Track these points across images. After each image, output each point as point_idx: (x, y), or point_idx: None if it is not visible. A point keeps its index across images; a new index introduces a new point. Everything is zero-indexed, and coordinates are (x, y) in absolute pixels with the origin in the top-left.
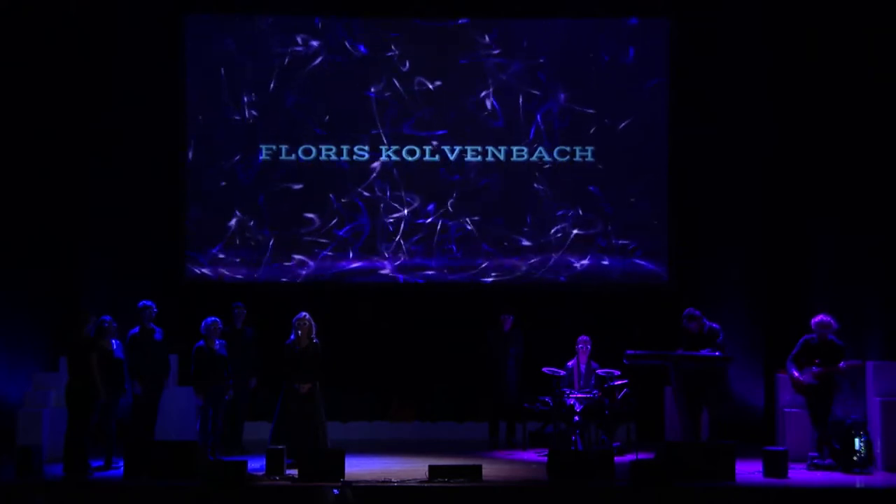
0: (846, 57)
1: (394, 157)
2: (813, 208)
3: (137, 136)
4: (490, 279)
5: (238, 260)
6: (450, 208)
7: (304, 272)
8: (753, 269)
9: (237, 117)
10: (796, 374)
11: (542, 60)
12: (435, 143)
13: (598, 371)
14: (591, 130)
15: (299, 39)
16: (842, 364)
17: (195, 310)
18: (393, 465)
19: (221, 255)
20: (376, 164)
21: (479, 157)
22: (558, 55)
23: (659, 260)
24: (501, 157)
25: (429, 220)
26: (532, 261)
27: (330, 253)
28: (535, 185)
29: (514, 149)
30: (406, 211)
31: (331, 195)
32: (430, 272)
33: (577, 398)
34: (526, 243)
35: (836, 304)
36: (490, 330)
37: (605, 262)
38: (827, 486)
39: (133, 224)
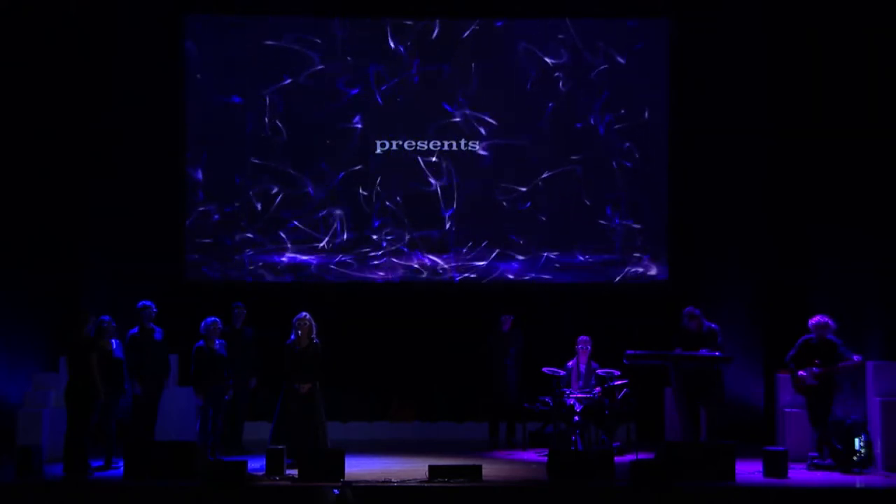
0: (847, 56)
1: (394, 155)
2: (813, 208)
3: (137, 136)
4: (490, 279)
5: (238, 260)
6: (449, 208)
7: (305, 272)
8: (753, 269)
9: (237, 117)
10: (801, 371)
11: (541, 61)
12: (438, 141)
13: (598, 371)
14: (592, 130)
15: (300, 39)
16: (841, 364)
17: (195, 310)
18: (393, 465)
19: (222, 255)
20: (377, 163)
21: (477, 156)
22: (558, 55)
23: (659, 260)
24: (499, 156)
25: (431, 218)
26: (532, 260)
27: (332, 253)
28: (535, 184)
29: (514, 148)
30: (409, 210)
31: (333, 195)
32: (431, 271)
33: (577, 398)
34: (526, 243)
35: (836, 304)
36: (490, 330)
37: (606, 262)
38: (827, 486)
39: (133, 224)
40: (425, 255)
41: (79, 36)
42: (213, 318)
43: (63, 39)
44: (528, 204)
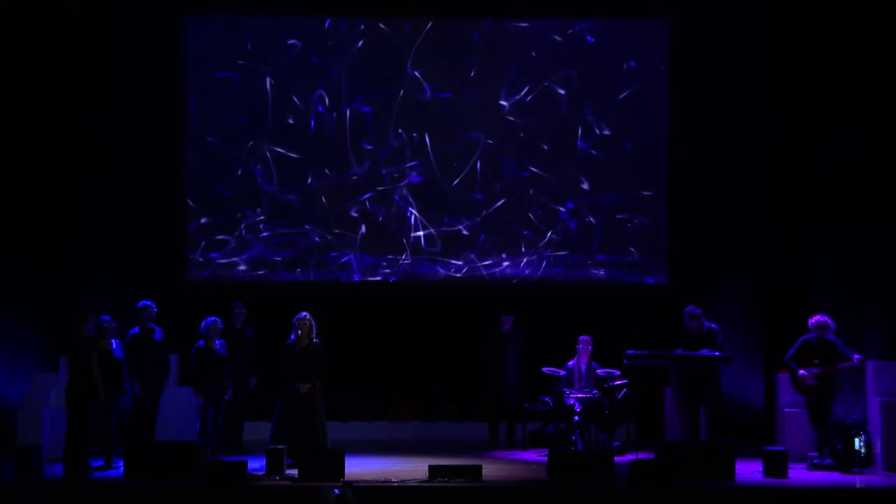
0: (847, 56)
1: (394, 158)
2: (813, 208)
3: (137, 136)
4: (489, 279)
5: (238, 260)
6: (448, 209)
7: (305, 271)
8: (753, 270)
9: (237, 117)
10: (801, 371)
11: (540, 61)
12: (434, 140)
13: (598, 371)
14: (591, 130)
15: (299, 39)
16: (841, 364)
17: (195, 310)
18: (393, 465)
19: (222, 255)
20: (377, 163)
21: (476, 156)
22: (557, 55)
23: (659, 260)
24: (499, 156)
25: (430, 220)
26: (532, 260)
27: (333, 253)
28: (536, 184)
29: (513, 148)
30: (407, 214)
31: (333, 195)
32: (431, 271)
33: (577, 398)
34: (526, 243)
35: (836, 304)
36: (490, 330)
37: (606, 262)
38: (827, 486)
39: (133, 224)
40: (429, 256)
41: (79, 36)
42: (213, 318)
43: (63, 39)
44: (528, 203)
